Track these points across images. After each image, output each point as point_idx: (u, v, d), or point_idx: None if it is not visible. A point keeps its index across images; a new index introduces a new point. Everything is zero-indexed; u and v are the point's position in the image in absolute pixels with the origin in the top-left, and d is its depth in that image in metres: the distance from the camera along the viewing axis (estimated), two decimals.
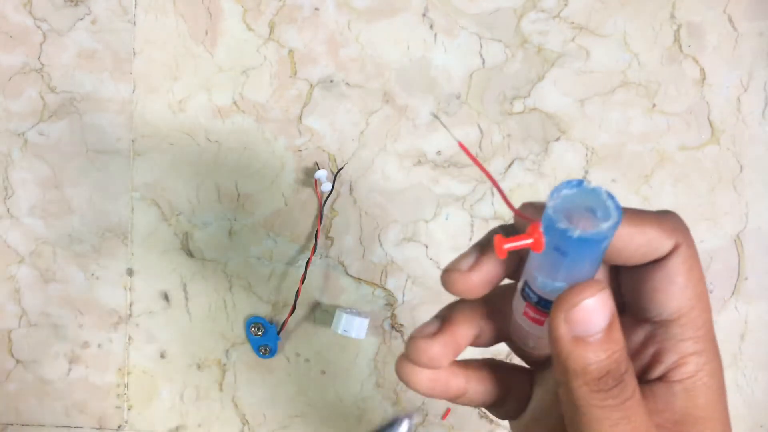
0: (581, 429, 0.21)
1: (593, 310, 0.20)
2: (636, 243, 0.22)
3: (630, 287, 0.24)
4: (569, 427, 0.22)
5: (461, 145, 0.21)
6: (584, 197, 0.20)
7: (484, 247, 0.24)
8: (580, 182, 0.20)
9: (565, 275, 0.21)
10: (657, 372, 0.23)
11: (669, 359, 0.23)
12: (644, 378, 0.23)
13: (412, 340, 0.25)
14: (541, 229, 0.20)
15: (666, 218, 0.22)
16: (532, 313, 0.23)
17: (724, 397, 0.23)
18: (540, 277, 0.22)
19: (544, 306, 0.22)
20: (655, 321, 0.23)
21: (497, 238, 0.21)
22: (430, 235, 0.55)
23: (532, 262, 0.22)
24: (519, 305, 0.24)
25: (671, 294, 0.22)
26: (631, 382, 0.21)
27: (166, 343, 0.57)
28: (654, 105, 0.54)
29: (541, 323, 0.23)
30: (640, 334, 0.24)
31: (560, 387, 0.22)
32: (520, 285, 0.23)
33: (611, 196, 0.20)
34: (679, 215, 0.23)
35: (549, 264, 0.21)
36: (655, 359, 0.23)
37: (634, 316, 0.24)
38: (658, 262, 0.22)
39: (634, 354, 0.24)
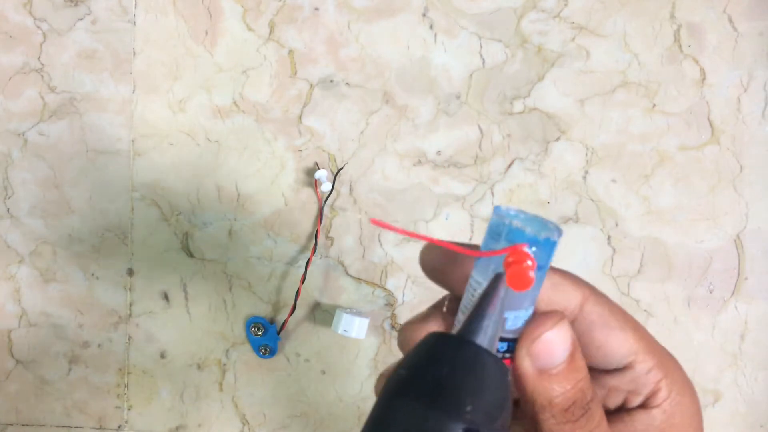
0: None
1: (554, 342, 0.21)
2: (555, 301, 0.22)
3: None
4: None
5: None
6: (530, 224, 0.20)
7: (437, 308, 0.24)
8: (521, 210, 0.21)
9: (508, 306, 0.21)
10: (636, 402, 0.24)
11: (644, 390, 0.23)
12: (625, 407, 0.24)
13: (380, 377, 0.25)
14: (528, 251, 0.20)
15: (565, 272, 0.23)
16: None
17: (696, 407, 0.24)
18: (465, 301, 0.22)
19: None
20: (616, 369, 0.23)
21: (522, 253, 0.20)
22: (430, 235, 0.55)
23: (468, 294, 0.22)
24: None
25: (615, 341, 0.22)
26: (597, 410, 0.21)
27: (166, 343, 0.57)
28: (654, 105, 0.54)
29: None
30: (606, 383, 0.24)
31: (528, 421, 0.22)
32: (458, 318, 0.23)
33: (553, 222, 0.20)
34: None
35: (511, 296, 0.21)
36: (632, 394, 0.24)
37: (593, 370, 0.24)
38: (579, 319, 0.22)
39: (608, 397, 0.24)
